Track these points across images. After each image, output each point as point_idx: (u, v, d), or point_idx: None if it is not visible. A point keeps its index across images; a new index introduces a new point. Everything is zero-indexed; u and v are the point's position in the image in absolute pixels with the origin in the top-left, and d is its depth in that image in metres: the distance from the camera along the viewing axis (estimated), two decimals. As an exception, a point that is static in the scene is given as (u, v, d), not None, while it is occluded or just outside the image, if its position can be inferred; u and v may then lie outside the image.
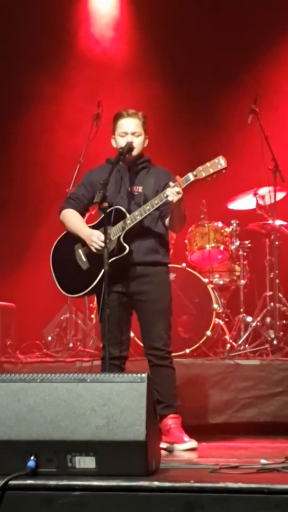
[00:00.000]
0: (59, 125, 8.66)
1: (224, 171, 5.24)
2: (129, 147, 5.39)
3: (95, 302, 7.43)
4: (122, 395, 3.83)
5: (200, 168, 5.24)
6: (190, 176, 5.24)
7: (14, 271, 8.39)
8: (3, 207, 8.83)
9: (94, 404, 3.84)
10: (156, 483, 3.61)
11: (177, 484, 3.60)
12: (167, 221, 5.45)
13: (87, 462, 3.80)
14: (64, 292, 5.58)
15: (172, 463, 4.43)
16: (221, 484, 3.57)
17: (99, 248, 5.29)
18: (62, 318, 8.21)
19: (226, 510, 3.50)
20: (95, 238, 5.33)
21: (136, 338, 6.50)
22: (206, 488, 3.56)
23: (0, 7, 8.72)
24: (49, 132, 8.70)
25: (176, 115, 8.60)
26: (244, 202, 8.07)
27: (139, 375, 3.89)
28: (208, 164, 5.24)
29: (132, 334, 5.74)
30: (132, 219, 5.32)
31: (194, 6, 8.71)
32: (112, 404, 3.82)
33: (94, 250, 5.35)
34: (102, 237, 5.23)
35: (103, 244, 5.19)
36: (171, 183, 5.26)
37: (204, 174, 5.23)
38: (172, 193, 5.17)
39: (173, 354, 5.54)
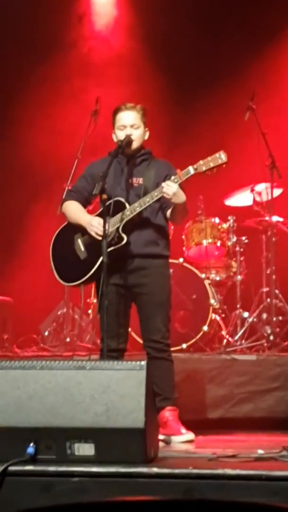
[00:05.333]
0: (58, 120, 8.66)
1: (224, 165, 5.24)
2: (128, 140, 5.40)
3: (91, 298, 7.49)
4: (121, 382, 3.85)
5: (201, 162, 5.24)
6: (191, 170, 5.25)
7: (11, 266, 8.39)
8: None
9: (94, 392, 3.86)
10: (155, 470, 3.63)
11: (176, 471, 3.62)
12: (168, 212, 5.45)
13: (86, 449, 3.82)
14: (60, 280, 5.58)
15: (170, 453, 4.45)
16: (219, 471, 3.60)
17: (99, 233, 5.28)
18: (59, 313, 8.20)
19: (225, 496, 3.53)
20: (95, 223, 5.33)
21: (133, 333, 6.51)
22: (205, 475, 3.59)
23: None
24: (48, 124, 8.69)
25: (173, 111, 8.60)
26: (241, 199, 8.08)
27: (138, 363, 3.91)
28: (209, 158, 5.24)
29: (129, 329, 5.74)
30: (131, 210, 5.32)
31: (193, 1, 8.73)
32: (111, 391, 3.84)
33: (94, 235, 5.34)
34: (102, 223, 5.24)
35: (102, 229, 5.20)
36: (172, 177, 5.27)
37: (204, 168, 5.23)
38: (169, 185, 5.19)
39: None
